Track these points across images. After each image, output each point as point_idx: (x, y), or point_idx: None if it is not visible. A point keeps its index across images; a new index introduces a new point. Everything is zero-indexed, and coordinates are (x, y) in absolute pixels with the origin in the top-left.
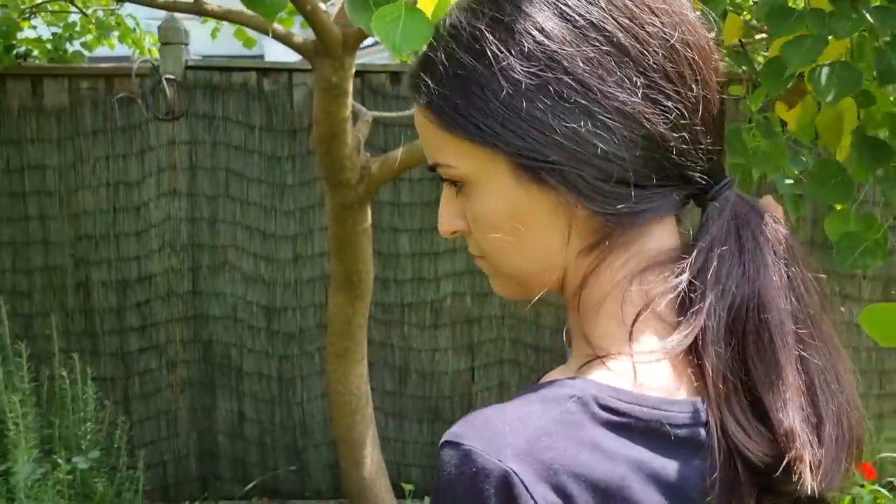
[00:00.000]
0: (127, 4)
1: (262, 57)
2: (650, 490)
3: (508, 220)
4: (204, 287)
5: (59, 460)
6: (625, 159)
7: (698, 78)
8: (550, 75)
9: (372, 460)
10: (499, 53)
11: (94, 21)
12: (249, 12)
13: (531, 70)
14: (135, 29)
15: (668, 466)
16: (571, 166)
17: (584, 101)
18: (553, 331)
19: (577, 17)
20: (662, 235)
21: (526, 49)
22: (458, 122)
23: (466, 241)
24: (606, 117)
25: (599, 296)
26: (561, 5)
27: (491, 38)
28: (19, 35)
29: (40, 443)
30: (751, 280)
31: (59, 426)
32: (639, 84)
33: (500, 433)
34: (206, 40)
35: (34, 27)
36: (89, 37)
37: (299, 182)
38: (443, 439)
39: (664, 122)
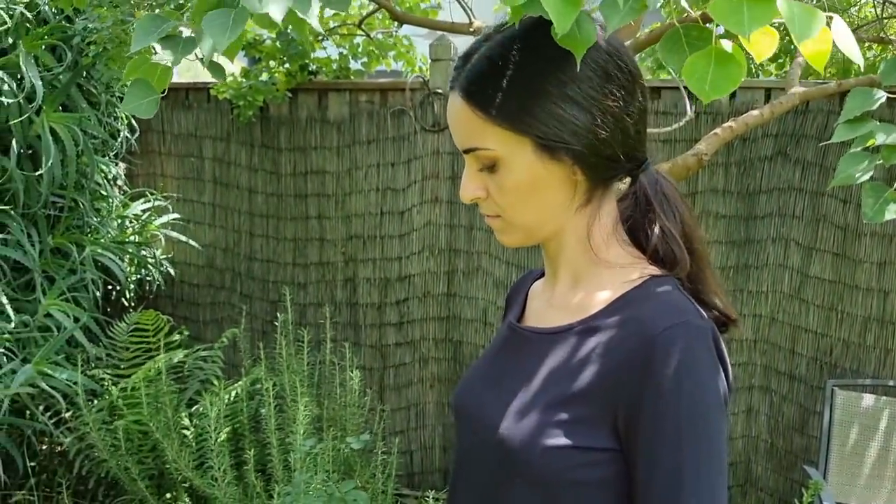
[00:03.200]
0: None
1: None
2: None
3: (529, 186)
4: (458, 290)
5: (327, 438)
6: (612, 144)
7: (642, 92)
8: (574, 91)
9: None
10: (538, 84)
11: (375, 43)
12: None
13: (560, 90)
14: (408, 50)
15: None
16: (580, 147)
17: (587, 109)
18: (810, 360)
19: (590, 61)
20: (613, 201)
21: (556, 80)
22: (508, 119)
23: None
24: (599, 119)
25: (603, 238)
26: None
27: (542, 67)
28: (312, 55)
29: (312, 421)
30: (680, 214)
31: (327, 408)
32: (619, 96)
33: (694, 310)
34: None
35: (324, 48)
36: (366, 58)
37: None
38: (660, 329)
39: (631, 121)
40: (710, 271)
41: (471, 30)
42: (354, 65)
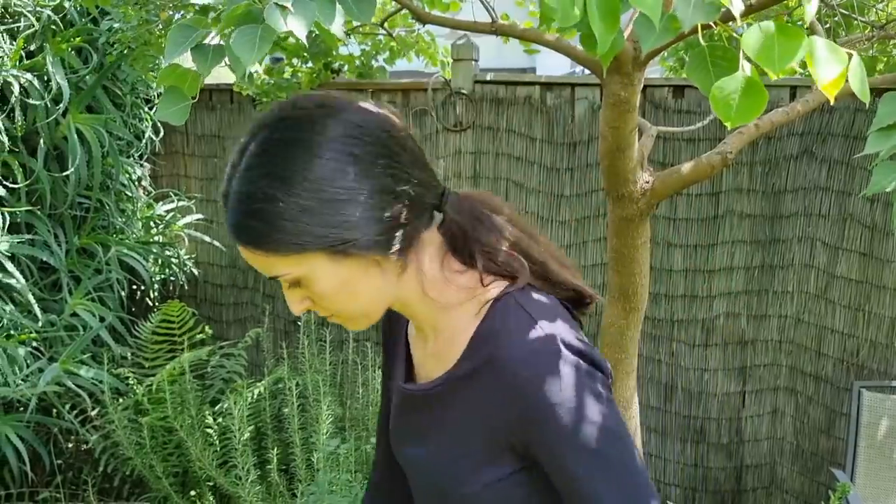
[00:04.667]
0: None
1: (533, 70)
2: None
3: (342, 287)
4: None
5: (350, 437)
6: (398, 213)
7: (403, 140)
8: (331, 193)
9: None
10: (294, 203)
11: (396, 40)
12: (544, 31)
13: (317, 197)
14: (430, 46)
15: None
16: (368, 236)
17: (352, 200)
18: (837, 361)
19: (336, 153)
20: (434, 236)
21: (308, 189)
22: (285, 248)
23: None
24: (369, 202)
25: (438, 286)
26: (337, 149)
27: (290, 186)
28: (334, 52)
29: (335, 420)
30: (498, 227)
31: (350, 407)
32: (383, 167)
33: (537, 323)
34: (483, 52)
35: (346, 45)
36: (387, 54)
37: (576, 194)
38: (516, 364)
39: (407, 176)
40: (555, 261)
41: (493, 29)
42: (377, 61)
